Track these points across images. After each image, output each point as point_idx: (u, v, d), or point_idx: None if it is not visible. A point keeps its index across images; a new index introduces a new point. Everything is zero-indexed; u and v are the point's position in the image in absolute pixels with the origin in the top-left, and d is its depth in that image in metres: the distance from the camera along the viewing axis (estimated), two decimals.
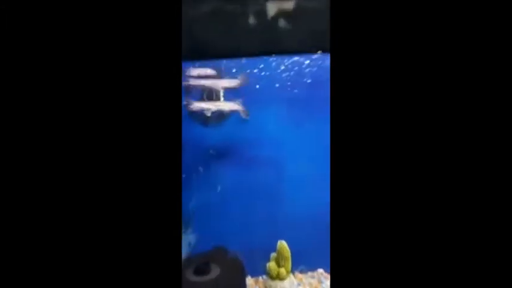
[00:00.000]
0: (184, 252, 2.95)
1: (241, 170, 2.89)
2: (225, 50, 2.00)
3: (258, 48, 1.81)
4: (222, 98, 2.75)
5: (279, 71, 2.65)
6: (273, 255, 2.58)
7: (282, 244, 2.53)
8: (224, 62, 2.64)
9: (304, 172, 2.84)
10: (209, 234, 2.90)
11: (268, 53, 2.10)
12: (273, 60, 2.58)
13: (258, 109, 2.77)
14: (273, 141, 2.87)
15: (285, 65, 2.61)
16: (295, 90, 2.73)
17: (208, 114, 2.69)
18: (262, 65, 2.63)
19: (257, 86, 2.72)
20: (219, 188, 2.92)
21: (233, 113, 2.72)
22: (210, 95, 2.75)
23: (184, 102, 2.66)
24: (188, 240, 2.99)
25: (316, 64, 2.63)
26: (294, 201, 2.87)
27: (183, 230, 2.97)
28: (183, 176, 2.90)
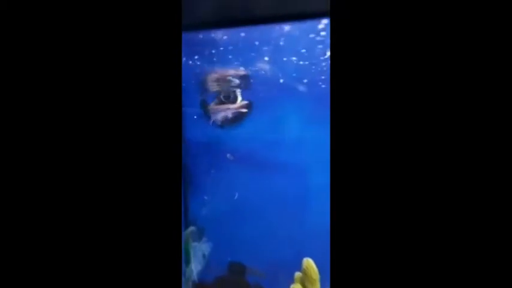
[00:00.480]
0: (199, 264, 2.70)
1: (261, 175, 2.61)
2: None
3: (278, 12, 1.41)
4: (239, 98, 2.47)
5: (308, 61, 2.31)
6: (298, 275, 2.26)
7: (309, 263, 2.22)
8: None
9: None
10: (225, 245, 2.64)
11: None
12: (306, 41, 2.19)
13: (280, 107, 2.47)
14: (298, 144, 2.57)
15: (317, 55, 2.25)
16: (323, 86, 2.41)
17: (230, 115, 2.41)
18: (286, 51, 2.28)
19: (281, 81, 2.41)
20: (236, 196, 2.65)
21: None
22: (227, 95, 2.48)
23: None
24: (202, 251, 2.74)
25: None
26: (322, 212, 2.55)
27: (196, 240, 2.73)
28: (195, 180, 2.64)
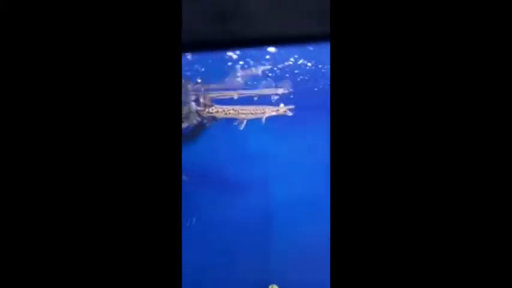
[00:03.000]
0: None
1: (221, 196, 2.42)
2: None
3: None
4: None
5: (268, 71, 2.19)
6: None
7: None
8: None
9: (299, 196, 2.37)
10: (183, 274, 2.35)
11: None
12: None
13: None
14: (260, 159, 2.42)
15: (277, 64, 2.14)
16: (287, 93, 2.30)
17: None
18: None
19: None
20: (193, 221, 2.43)
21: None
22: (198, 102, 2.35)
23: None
24: None
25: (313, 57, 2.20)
26: (288, 234, 2.38)
27: None
28: None
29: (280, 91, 2.28)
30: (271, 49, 1.94)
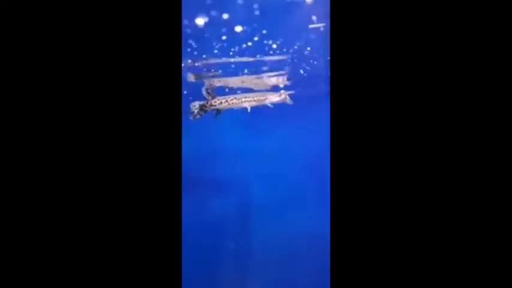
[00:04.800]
0: None
1: (193, 197, 2.27)
2: None
3: None
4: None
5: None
6: None
7: None
8: None
9: (276, 196, 2.28)
10: None
11: None
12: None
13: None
14: (234, 157, 2.31)
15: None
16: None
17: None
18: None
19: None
20: None
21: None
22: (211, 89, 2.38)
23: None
24: None
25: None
26: (265, 235, 2.28)
27: None
28: None
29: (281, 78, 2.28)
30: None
